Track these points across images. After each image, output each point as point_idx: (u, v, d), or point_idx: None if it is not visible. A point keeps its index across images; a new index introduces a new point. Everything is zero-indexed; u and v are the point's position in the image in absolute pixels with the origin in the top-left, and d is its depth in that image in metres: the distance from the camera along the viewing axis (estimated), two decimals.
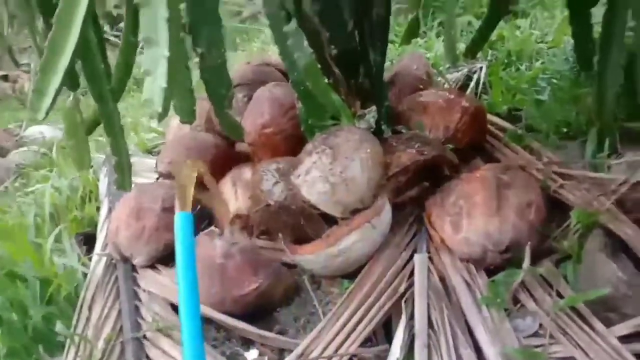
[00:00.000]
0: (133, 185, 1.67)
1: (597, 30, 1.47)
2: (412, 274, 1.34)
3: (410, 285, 1.30)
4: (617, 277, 1.12)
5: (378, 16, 1.59)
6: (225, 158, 1.81)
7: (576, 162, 1.48)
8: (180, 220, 1.08)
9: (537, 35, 2.50)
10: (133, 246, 1.63)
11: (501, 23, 2.46)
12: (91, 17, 1.16)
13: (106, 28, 4.72)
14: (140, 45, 1.14)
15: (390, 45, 2.59)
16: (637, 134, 1.52)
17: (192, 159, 1.53)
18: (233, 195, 1.64)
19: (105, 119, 1.36)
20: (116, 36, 4.51)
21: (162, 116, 0.86)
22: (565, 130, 1.67)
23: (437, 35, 2.81)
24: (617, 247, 1.21)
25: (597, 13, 1.53)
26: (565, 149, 1.59)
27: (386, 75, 1.86)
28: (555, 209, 1.39)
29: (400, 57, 2.53)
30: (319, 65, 1.50)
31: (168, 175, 1.81)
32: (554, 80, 1.96)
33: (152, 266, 1.60)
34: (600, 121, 1.50)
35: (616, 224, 1.22)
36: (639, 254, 1.16)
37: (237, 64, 2.37)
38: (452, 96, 1.67)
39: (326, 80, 1.52)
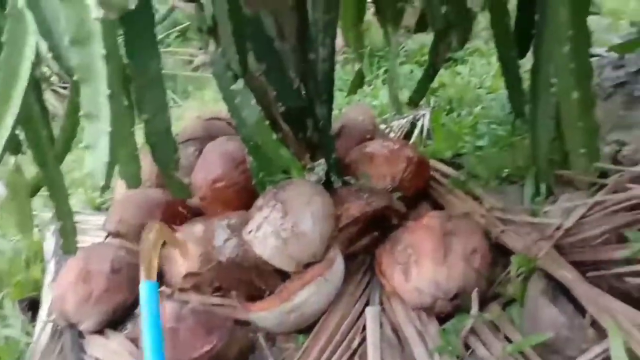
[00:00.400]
0: (79, 245, 1.63)
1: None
2: (366, 326, 1.35)
3: (364, 338, 1.32)
4: (559, 321, 1.17)
5: (323, 73, 1.64)
6: (176, 214, 1.79)
7: (516, 207, 1.54)
8: (146, 289, 1.08)
9: (475, 82, 2.64)
10: (80, 311, 1.58)
11: (442, 70, 2.60)
12: (32, 86, 1.16)
13: (54, 78, 4.65)
14: None
15: (338, 94, 2.68)
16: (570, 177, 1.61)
17: (152, 221, 1.51)
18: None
19: (48, 184, 1.33)
20: (64, 87, 4.44)
21: (104, 189, 0.85)
22: (504, 174, 1.75)
23: (383, 83, 2.92)
24: (557, 290, 1.26)
25: (529, 63, 1.64)
26: (505, 193, 1.66)
27: (334, 127, 1.91)
28: (499, 253, 1.44)
29: (348, 105, 2.61)
30: (268, 122, 1.54)
31: (117, 234, 1.78)
32: (493, 126, 2.06)
33: (100, 331, 1.55)
34: (535, 166, 1.58)
35: (554, 268, 1.28)
36: (576, 296, 1.22)
37: (188, 118, 2.38)
38: (397, 146, 1.73)
39: (275, 136, 1.56)
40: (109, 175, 0.84)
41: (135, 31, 0.99)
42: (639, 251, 1.17)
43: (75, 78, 0.83)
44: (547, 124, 1.47)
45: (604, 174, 1.47)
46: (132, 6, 0.66)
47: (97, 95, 0.81)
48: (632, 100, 1.48)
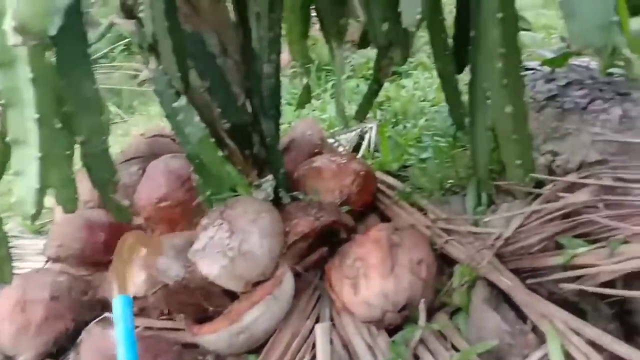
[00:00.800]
0: (18, 272, 1.55)
1: None
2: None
3: (315, 355, 1.31)
4: (501, 328, 1.21)
5: (269, 88, 1.64)
6: (120, 235, 1.73)
7: (459, 217, 1.58)
8: (120, 303, 1.05)
9: (419, 95, 2.71)
10: (19, 342, 1.50)
11: (387, 83, 2.65)
12: None
13: None
14: None
15: (287, 108, 2.69)
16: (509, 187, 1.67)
17: (128, 233, 1.46)
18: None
19: None
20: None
21: (35, 217, 0.82)
22: (448, 185, 1.79)
23: (331, 96, 2.95)
24: (500, 297, 1.30)
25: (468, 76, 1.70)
26: (449, 203, 1.70)
27: (282, 141, 1.91)
28: (445, 263, 1.48)
29: (298, 119, 2.62)
30: (213, 139, 1.52)
31: (57, 259, 1.70)
32: (437, 138, 2.11)
33: None
34: (476, 177, 1.63)
35: (496, 276, 1.32)
36: (517, 303, 1.26)
37: (134, 134, 2.32)
38: (344, 160, 1.75)
39: (220, 153, 1.54)
40: (39, 203, 0.80)
41: (66, 51, 0.96)
42: (573, 258, 1.23)
43: (1, 102, 0.79)
44: (485, 135, 1.52)
45: (540, 184, 1.54)
46: (53, 32, 0.64)
47: (25, 120, 0.77)
48: (563, 112, 1.56)
